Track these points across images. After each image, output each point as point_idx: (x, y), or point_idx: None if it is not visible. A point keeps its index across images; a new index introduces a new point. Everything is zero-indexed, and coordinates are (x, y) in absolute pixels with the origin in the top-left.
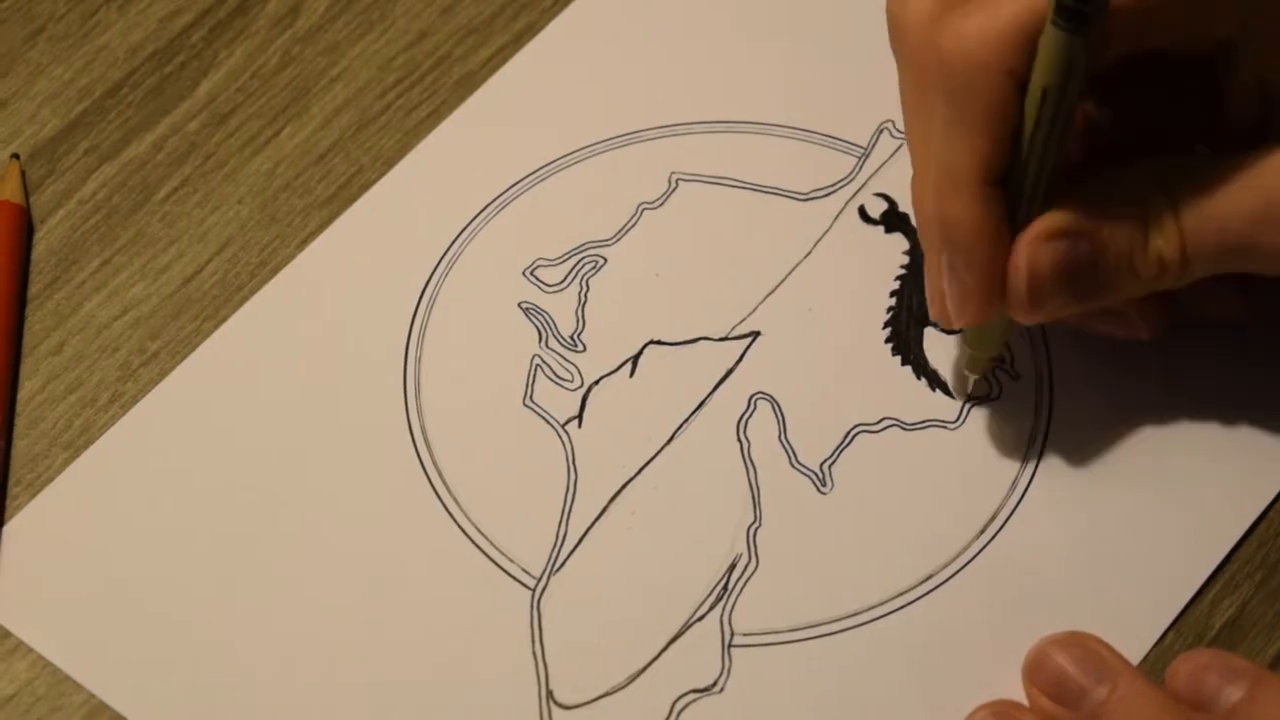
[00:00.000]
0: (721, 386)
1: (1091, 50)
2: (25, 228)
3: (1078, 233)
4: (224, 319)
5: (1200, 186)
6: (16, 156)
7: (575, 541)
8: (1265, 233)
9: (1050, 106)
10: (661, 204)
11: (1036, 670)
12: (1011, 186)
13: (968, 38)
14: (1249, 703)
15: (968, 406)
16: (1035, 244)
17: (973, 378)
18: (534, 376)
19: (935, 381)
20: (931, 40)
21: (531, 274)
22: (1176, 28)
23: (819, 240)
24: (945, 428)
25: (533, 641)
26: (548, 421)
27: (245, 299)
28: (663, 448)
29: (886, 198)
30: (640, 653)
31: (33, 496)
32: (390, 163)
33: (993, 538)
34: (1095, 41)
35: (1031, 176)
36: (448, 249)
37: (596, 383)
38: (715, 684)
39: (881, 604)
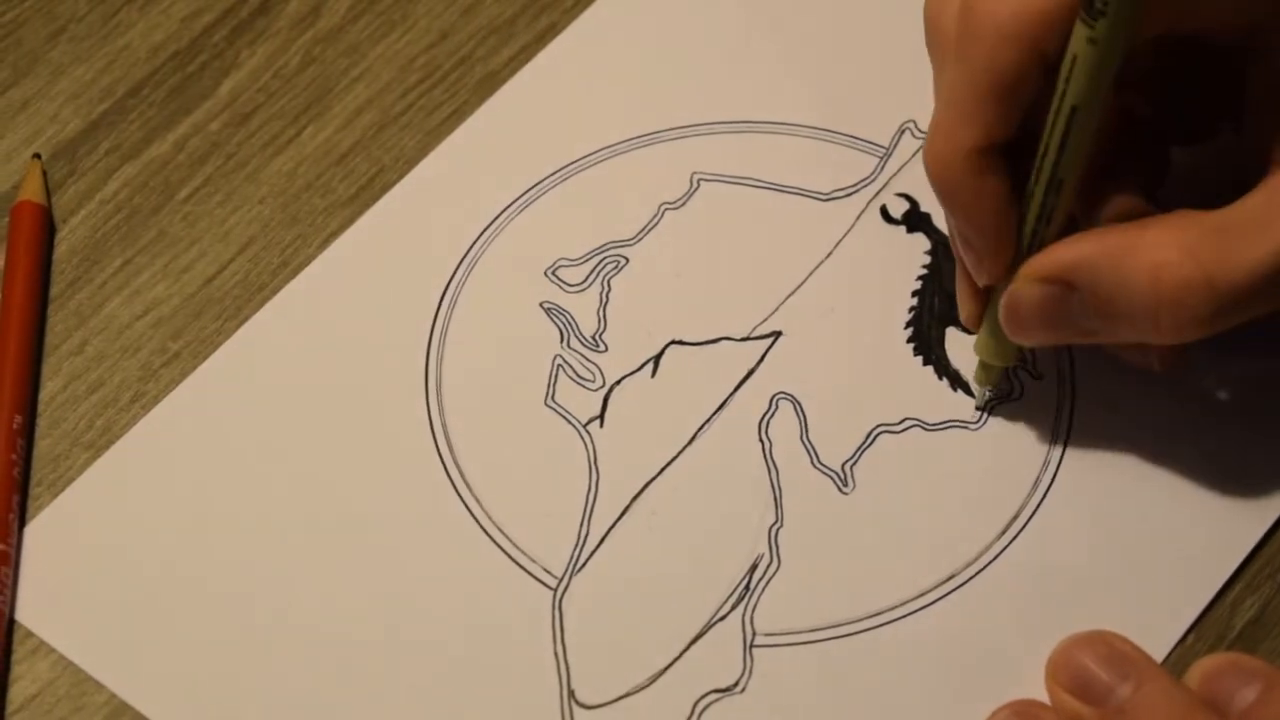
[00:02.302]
0: (743, 387)
1: (1126, 37)
2: (47, 228)
3: (1071, 282)
4: (245, 319)
5: (1229, 228)
6: (38, 156)
7: (597, 541)
8: None
9: (1082, 90)
10: (683, 204)
11: (1061, 668)
12: (1036, 173)
13: (1001, 9)
14: (1263, 704)
15: (990, 406)
16: (1023, 280)
17: (984, 390)
18: (556, 376)
19: (957, 382)
20: (960, 13)
21: (553, 274)
22: (1209, 11)
23: (840, 240)
24: (967, 428)
25: (554, 641)
26: (569, 422)
27: (267, 299)
28: (684, 448)
29: (908, 198)
30: (662, 653)
31: (54, 497)
32: (412, 163)
33: (1015, 538)
34: (1130, 28)
35: (1054, 159)
36: (469, 249)
37: (618, 383)
38: (737, 684)
39: (903, 604)
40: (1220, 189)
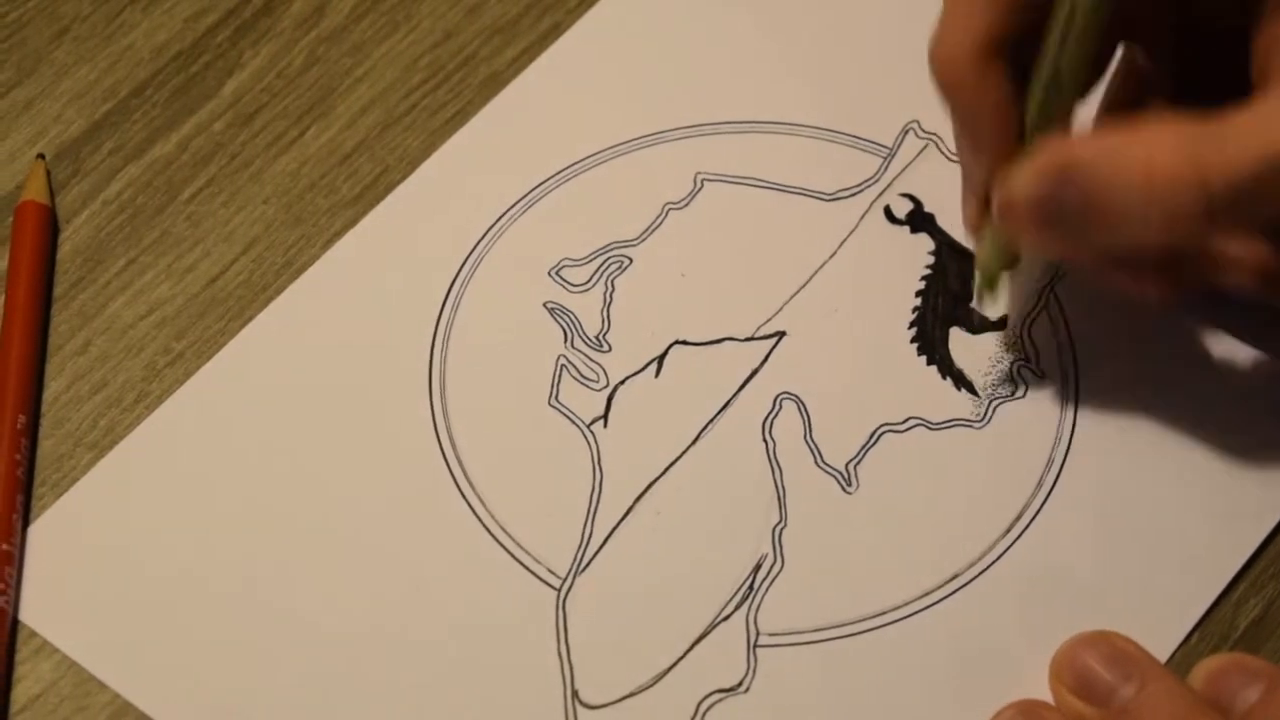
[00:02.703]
0: (747, 386)
1: None
2: (50, 228)
3: (1066, 177)
4: (249, 319)
5: (1225, 128)
6: (42, 157)
7: (600, 541)
8: None
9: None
10: (687, 204)
11: (1064, 668)
12: (1038, 69)
13: None
14: (1266, 705)
15: (993, 405)
16: (1018, 173)
17: (989, 298)
18: (559, 376)
19: (961, 381)
20: None
21: (557, 274)
22: None
23: (844, 240)
24: (971, 427)
25: (558, 641)
26: (573, 422)
27: (270, 299)
28: (688, 448)
29: (912, 198)
30: (665, 653)
31: (58, 497)
32: (415, 163)
33: (1018, 537)
34: None
35: (1055, 54)
36: (473, 249)
37: (622, 383)
38: (740, 684)
39: (907, 604)
40: None
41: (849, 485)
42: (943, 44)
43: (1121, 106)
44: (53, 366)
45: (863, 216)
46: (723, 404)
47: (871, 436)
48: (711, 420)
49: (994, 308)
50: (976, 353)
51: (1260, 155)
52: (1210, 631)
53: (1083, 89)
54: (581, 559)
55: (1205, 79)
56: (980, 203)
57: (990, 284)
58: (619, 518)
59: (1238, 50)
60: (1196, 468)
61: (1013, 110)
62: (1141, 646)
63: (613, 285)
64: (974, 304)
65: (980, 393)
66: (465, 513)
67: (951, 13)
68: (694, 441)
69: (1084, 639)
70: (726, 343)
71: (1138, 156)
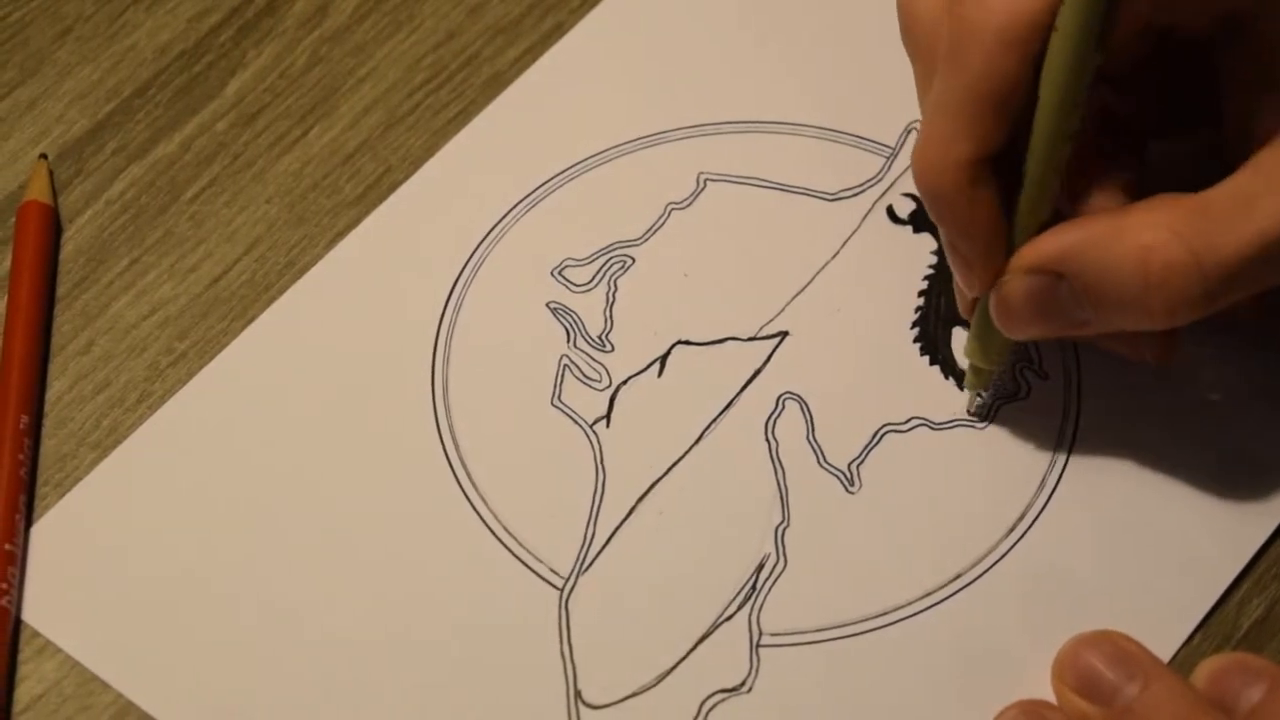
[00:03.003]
0: (749, 386)
1: (1110, 20)
2: (53, 228)
3: (1059, 271)
4: (252, 319)
5: (1214, 211)
6: (44, 157)
7: (603, 541)
8: None
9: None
10: (689, 204)
11: (1067, 668)
12: (1024, 169)
13: (996, 13)
14: (1268, 704)
15: (996, 406)
16: (1013, 273)
17: (975, 394)
18: (562, 376)
19: (963, 381)
20: (950, 18)
21: (560, 274)
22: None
23: (847, 240)
24: (974, 427)
25: (561, 641)
26: (576, 421)
27: (273, 299)
28: (691, 448)
29: (914, 198)
30: (668, 653)
31: (61, 496)
32: (418, 163)
33: (1021, 537)
34: (1112, 13)
35: (1041, 157)
36: (475, 249)
37: (625, 383)
38: (743, 684)
39: (910, 604)
40: (1199, 184)
41: (851, 485)
42: (931, 159)
43: (1099, 154)
44: (55, 366)
45: (865, 216)
46: (725, 404)
47: (874, 436)
48: (714, 420)
49: (974, 397)
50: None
51: (1253, 238)
52: (1213, 631)
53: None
54: (584, 559)
55: (1168, 96)
56: (972, 303)
57: (978, 382)
58: (621, 517)
59: (1202, 63)
60: (1199, 468)
61: (1003, 221)
62: (1144, 646)
63: (615, 285)
64: (966, 388)
65: (983, 393)
66: (468, 512)
67: (937, 122)
68: (696, 441)
69: (1087, 638)
70: (729, 342)
71: (1130, 246)
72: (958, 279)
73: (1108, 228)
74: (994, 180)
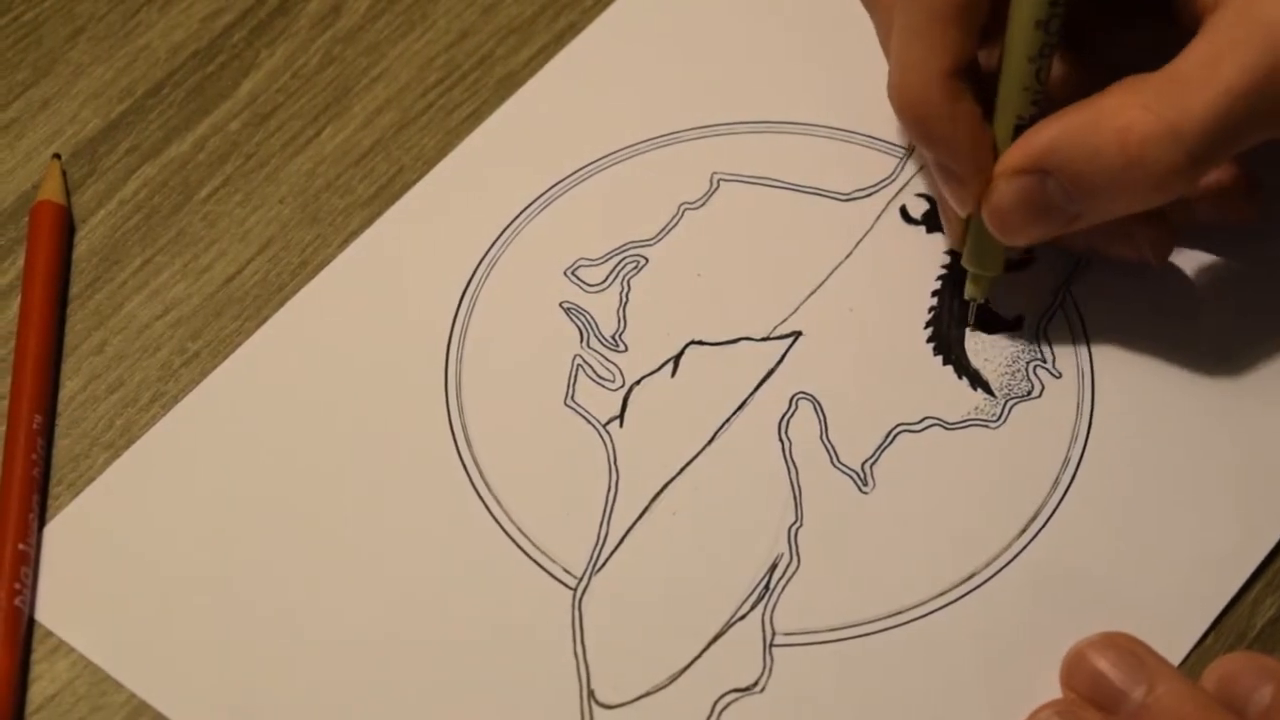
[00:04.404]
0: (763, 386)
1: None
2: (66, 228)
3: (1044, 168)
4: (265, 319)
5: (1180, 78)
6: (58, 156)
7: (617, 541)
8: (1268, 90)
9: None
10: (703, 204)
11: (1074, 672)
12: (1000, 71)
13: None
14: (1279, 705)
15: (1010, 405)
16: (1000, 179)
17: (974, 303)
18: (575, 376)
19: (977, 381)
20: None
21: (573, 274)
22: None
23: (860, 240)
24: (987, 427)
25: (574, 641)
26: (589, 421)
27: (286, 299)
28: (704, 448)
29: (928, 198)
30: (681, 652)
31: (74, 496)
32: (431, 163)
33: (1034, 537)
34: None
35: (1014, 75)
36: (489, 249)
37: (638, 383)
38: (756, 684)
39: (923, 603)
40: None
41: (865, 485)
42: (906, 79)
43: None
44: (69, 366)
45: (879, 216)
46: (739, 404)
47: (887, 436)
48: (727, 420)
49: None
50: (992, 353)
51: (1222, 95)
52: (1226, 631)
53: (1043, 83)
54: (597, 559)
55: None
56: (962, 225)
57: (979, 291)
58: (635, 517)
59: None
60: (1212, 468)
61: (986, 131)
62: (1151, 648)
63: (629, 285)
64: (966, 297)
65: (996, 392)
66: (481, 512)
67: (907, 47)
68: (710, 441)
69: (1093, 642)
70: (742, 342)
71: (1108, 129)
72: (951, 200)
73: (1084, 117)
74: (970, 93)
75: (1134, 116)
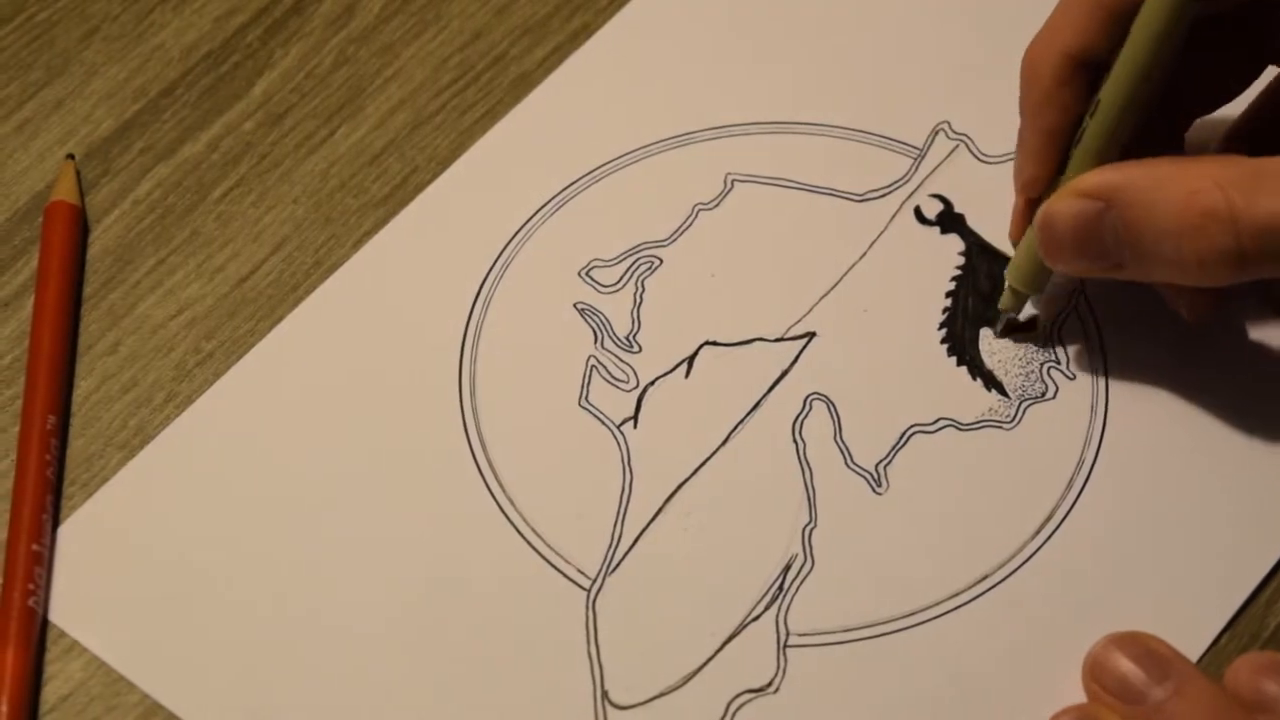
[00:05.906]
0: (777, 387)
1: None
2: (80, 227)
3: (1109, 200)
4: (279, 319)
5: (1261, 178)
6: (72, 156)
7: (630, 542)
8: None
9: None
10: (717, 205)
11: (1098, 669)
12: (1100, 97)
13: None
14: None
15: (1024, 406)
16: (1066, 192)
17: (1004, 317)
18: (589, 377)
19: (991, 382)
20: None
21: (587, 275)
22: None
23: (874, 241)
24: (1001, 428)
25: (588, 642)
26: (603, 422)
27: (300, 299)
28: (718, 448)
29: (942, 199)
30: (695, 653)
31: (88, 497)
32: (445, 163)
33: (1048, 538)
34: None
35: (1121, 90)
36: (503, 250)
37: (652, 383)
38: (770, 684)
39: (937, 604)
40: None
41: (879, 486)
42: (1037, 42)
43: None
44: (83, 366)
45: (893, 217)
46: (753, 405)
47: (901, 437)
48: (741, 421)
49: (1003, 319)
50: (1007, 354)
51: None
52: (1240, 631)
53: (1131, 128)
54: (611, 559)
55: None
56: (1025, 210)
57: (1012, 304)
58: (649, 518)
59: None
60: (1226, 469)
61: (1069, 128)
62: (1173, 647)
63: (643, 286)
64: (1000, 308)
65: (1011, 394)
66: (495, 513)
67: (1054, 16)
68: (724, 442)
69: (1117, 639)
70: (756, 343)
71: (1178, 189)
72: (1016, 163)
73: (1165, 170)
74: (1080, 94)
75: (1205, 188)
